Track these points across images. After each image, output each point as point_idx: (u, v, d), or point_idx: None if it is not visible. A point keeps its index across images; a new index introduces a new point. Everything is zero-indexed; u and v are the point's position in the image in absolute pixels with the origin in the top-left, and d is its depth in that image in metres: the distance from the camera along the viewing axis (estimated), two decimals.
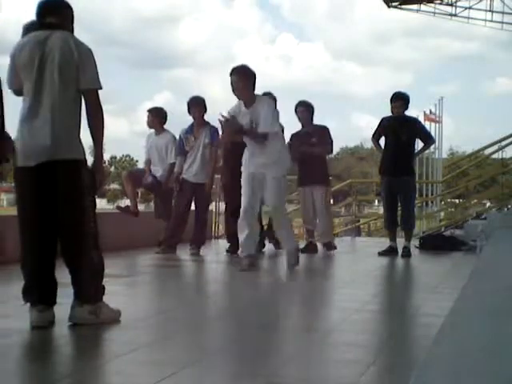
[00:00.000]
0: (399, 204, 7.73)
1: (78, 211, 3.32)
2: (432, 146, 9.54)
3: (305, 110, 7.69)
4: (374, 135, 7.71)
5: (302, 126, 7.73)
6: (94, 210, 3.50)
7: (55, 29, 3.36)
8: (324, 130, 7.71)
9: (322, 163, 7.71)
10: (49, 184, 3.25)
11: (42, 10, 3.41)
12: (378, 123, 7.73)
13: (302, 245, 7.44)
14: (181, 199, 7.28)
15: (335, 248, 7.59)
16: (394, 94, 7.53)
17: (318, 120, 7.79)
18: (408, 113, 7.69)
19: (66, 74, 3.31)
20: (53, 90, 3.28)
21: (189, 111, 7.33)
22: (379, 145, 7.67)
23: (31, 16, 3.51)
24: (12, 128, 3.41)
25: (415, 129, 7.66)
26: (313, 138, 7.51)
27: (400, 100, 7.48)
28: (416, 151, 7.89)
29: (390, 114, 7.59)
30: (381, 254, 7.45)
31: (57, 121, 3.27)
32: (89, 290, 3.36)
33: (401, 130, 7.43)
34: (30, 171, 3.26)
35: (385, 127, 7.60)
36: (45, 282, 3.30)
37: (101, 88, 3.40)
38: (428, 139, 7.91)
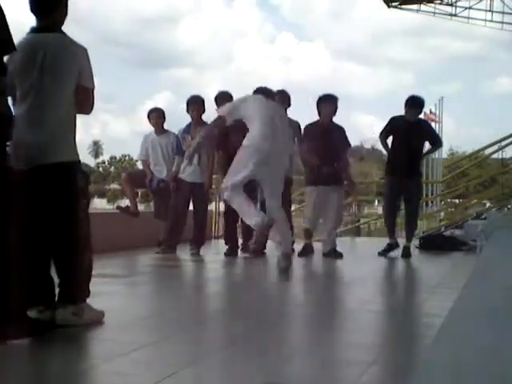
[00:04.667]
0: (403, 205, 7.71)
1: (71, 213, 3.32)
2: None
3: (331, 104, 7.29)
4: (382, 133, 7.63)
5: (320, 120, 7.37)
6: (87, 212, 3.50)
7: (48, 31, 3.35)
8: (343, 131, 7.42)
9: (339, 163, 7.35)
10: (43, 186, 3.25)
11: (33, 13, 3.40)
12: (387, 122, 7.56)
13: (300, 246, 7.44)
14: (178, 199, 7.27)
15: (341, 256, 7.16)
16: (411, 100, 7.36)
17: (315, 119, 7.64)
18: None
19: (62, 76, 3.30)
20: (48, 93, 3.28)
21: (187, 110, 7.33)
22: (387, 144, 7.61)
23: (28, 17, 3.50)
24: None
25: (425, 132, 7.60)
26: (332, 137, 7.18)
27: (416, 108, 7.41)
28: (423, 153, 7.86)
29: (395, 113, 7.53)
30: (381, 253, 7.45)
31: (52, 125, 3.27)
32: (75, 291, 3.35)
33: (412, 135, 7.37)
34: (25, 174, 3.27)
35: (394, 128, 7.50)
36: (42, 282, 3.30)
37: (94, 87, 3.42)
38: (436, 142, 7.84)
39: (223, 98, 7.20)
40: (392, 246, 7.48)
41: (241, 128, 7.09)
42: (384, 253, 7.44)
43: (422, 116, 8.45)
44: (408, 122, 7.38)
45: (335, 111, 7.37)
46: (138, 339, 3.11)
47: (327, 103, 7.30)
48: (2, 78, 2.84)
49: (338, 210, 7.34)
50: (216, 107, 7.18)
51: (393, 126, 7.52)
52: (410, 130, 7.35)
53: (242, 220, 7.43)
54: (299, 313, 4.09)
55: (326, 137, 7.18)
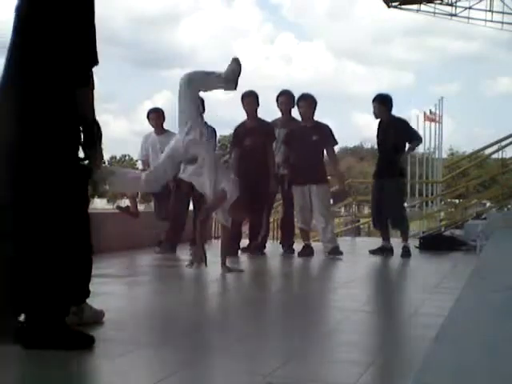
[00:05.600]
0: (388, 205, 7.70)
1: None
2: (432, 146, 9.54)
3: (307, 103, 7.33)
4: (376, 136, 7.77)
5: (302, 121, 7.43)
6: (87, 212, 3.50)
7: None
8: (327, 129, 7.39)
9: (321, 160, 7.37)
10: None
11: None
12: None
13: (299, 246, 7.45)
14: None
15: (341, 253, 7.14)
16: (374, 98, 7.52)
17: (317, 118, 7.64)
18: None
19: None
20: None
21: None
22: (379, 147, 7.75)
23: None
24: None
25: (399, 131, 7.55)
26: (314, 136, 7.20)
27: (380, 104, 7.48)
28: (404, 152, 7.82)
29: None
30: (372, 252, 7.46)
31: None
32: (75, 291, 3.34)
33: (387, 134, 7.48)
34: None
35: (378, 130, 7.65)
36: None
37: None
38: (412, 139, 7.65)
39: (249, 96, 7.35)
40: (382, 250, 7.47)
41: (257, 132, 7.15)
42: (374, 252, 7.45)
43: (421, 117, 8.44)
44: (383, 123, 7.48)
45: (313, 110, 7.37)
46: (138, 339, 3.11)
47: (303, 104, 7.33)
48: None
49: (324, 208, 7.28)
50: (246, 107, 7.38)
51: (377, 128, 7.64)
52: (386, 130, 7.49)
53: (252, 218, 7.47)
54: (299, 313, 4.09)
55: (307, 137, 7.19)
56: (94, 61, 2.97)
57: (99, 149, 3.08)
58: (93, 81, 3.44)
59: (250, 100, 7.30)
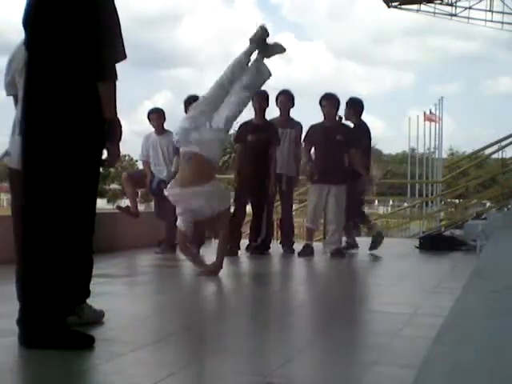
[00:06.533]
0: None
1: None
2: (432, 146, 9.53)
3: (330, 103, 7.27)
4: None
5: (325, 120, 7.35)
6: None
7: None
8: (350, 130, 7.39)
9: (343, 161, 7.28)
10: None
11: None
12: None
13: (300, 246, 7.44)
14: None
15: (344, 256, 7.12)
16: (346, 102, 7.57)
17: (317, 119, 7.61)
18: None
19: None
20: None
21: (185, 110, 7.33)
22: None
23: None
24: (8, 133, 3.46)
25: (359, 133, 7.60)
26: (338, 136, 7.14)
27: (350, 109, 7.54)
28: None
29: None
30: (371, 250, 7.49)
31: None
32: (75, 291, 3.34)
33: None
34: None
35: None
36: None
37: None
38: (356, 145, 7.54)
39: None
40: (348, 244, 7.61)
41: (262, 131, 7.15)
42: (372, 248, 7.49)
43: (421, 116, 8.42)
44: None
45: (337, 110, 7.34)
46: (138, 339, 3.11)
47: (326, 103, 7.30)
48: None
49: (338, 209, 7.21)
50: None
51: None
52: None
53: (252, 220, 7.46)
54: (299, 313, 4.09)
55: (331, 137, 7.15)
56: (123, 55, 2.95)
57: (117, 147, 3.05)
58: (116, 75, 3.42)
59: (261, 98, 7.29)
